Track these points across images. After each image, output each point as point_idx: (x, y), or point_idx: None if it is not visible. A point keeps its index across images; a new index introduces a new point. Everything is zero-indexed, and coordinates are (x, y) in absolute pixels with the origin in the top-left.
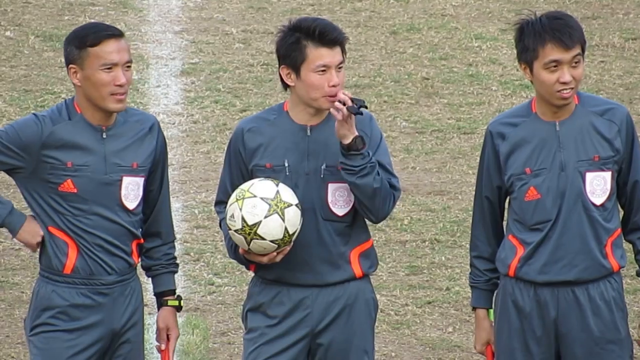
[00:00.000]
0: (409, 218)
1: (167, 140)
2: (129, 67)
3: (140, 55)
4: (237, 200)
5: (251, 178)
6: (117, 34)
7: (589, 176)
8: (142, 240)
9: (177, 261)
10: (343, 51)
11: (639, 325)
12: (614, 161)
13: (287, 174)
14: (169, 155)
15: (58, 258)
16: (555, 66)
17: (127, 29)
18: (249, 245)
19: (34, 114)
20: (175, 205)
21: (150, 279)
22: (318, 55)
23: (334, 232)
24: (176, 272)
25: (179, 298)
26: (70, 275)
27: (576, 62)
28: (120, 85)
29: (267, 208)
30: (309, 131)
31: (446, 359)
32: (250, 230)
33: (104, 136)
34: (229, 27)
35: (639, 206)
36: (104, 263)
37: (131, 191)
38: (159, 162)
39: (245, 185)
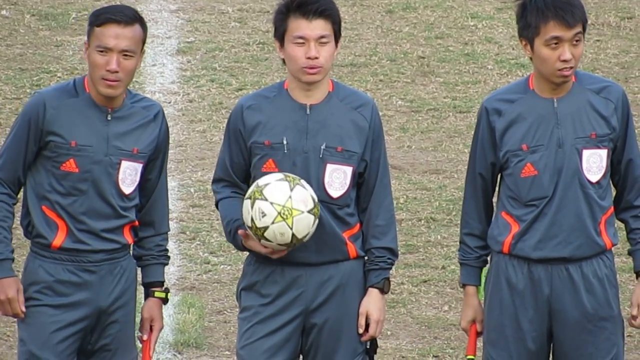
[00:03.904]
0: (404, 197)
1: None
2: (128, 55)
3: None
4: (250, 198)
5: (250, 155)
6: (123, 20)
7: (586, 153)
8: (136, 223)
9: (169, 253)
10: (333, 25)
11: (632, 303)
12: (609, 139)
13: (286, 151)
14: None
15: (47, 233)
16: (556, 43)
17: None
18: (259, 240)
19: (36, 91)
20: (172, 184)
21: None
22: (296, 26)
23: (328, 213)
24: (166, 264)
25: (167, 290)
26: (57, 251)
27: (577, 40)
28: (110, 71)
29: (275, 215)
30: (308, 110)
31: (442, 337)
32: (257, 232)
33: (109, 118)
34: (225, 6)
35: (633, 184)
36: (92, 244)
37: (128, 176)
38: (160, 151)
39: (261, 182)
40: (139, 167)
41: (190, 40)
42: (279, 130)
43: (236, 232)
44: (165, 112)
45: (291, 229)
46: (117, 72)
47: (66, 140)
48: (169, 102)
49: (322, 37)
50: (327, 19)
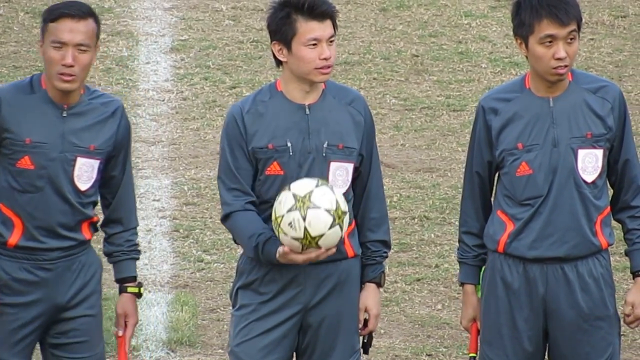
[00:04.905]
0: (398, 195)
1: (156, 117)
2: (83, 50)
3: (130, 32)
4: (297, 208)
5: (254, 160)
6: (77, 15)
7: (581, 153)
8: (94, 219)
9: (139, 248)
10: (334, 25)
11: (625, 302)
12: (606, 139)
13: (291, 154)
14: (159, 132)
15: (2, 231)
16: (550, 42)
17: (116, 5)
18: (302, 250)
19: None
20: (165, 182)
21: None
22: (308, 29)
23: None
24: (137, 258)
25: (140, 285)
26: (13, 249)
27: (571, 39)
28: (65, 66)
29: (331, 221)
30: (307, 110)
31: (435, 336)
32: (311, 240)
33: (65, 114)
34: (218, 4)
35: (629, 185)
36: (47, 242)
37: (84, 172)
38: (121, 147)
39: (302, 191)
40: (95, 163)
41: (183, 38)
42: (281, 132)
43: (264, 245)
44: (159, 110)
45: (341, 230)
46: (72, 66)
47: (21, 138)
48: (163, 100)
49: (332, 36)
50: (332, 19)
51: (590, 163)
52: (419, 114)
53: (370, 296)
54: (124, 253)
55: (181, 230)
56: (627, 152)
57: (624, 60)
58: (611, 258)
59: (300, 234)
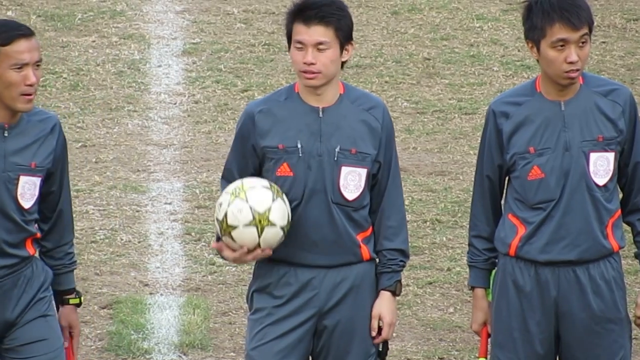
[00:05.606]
0: (410, 198)
1: (168, 120)
2: (38, 65)
3: (142, 35)
4: (231, 194)
5: (262, 160)
6: (28, 34)
7: (593, 156)
8: (37, 236)
9: (75, 258)
10: (336, 32)
11: (637, 304)
12: (617, 142)
13: (300, 155)
14: (171, 135)
15: None
16: (562, 45)
17: (128, 8)
18: (221, 237)
19: None
20: (177, 185)
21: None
22: (296, 31)
23: (343, 215)
24: (75, 269)
25: (79, 295)
26: None
27: (583, 42)
28: (30, 85)
29: (250, 219)
30: (321, 113)
31: (447, 339)
32: (226, 228)
33: (6, 134)
34: (230, 7)
35: None
36: None
37: (27, 190)
38: (58, 162)
39: (247, 183)
40: (37, 181)
41: (195, 42)
42: (293, 133)
43: None
44: (171, 113)
45: (259, 237)
46: (35, 84)
47: None
48: (175, 103)
49: (320, 43)
50: (326, 25)
51: (601, 166)
52: (431, 117)
53: (384, 304)
54: (65, 266)
55: (193, 234)
56: (637, 155)
57: (636, 63)
58: (622, 262)
59: (220, 217)
